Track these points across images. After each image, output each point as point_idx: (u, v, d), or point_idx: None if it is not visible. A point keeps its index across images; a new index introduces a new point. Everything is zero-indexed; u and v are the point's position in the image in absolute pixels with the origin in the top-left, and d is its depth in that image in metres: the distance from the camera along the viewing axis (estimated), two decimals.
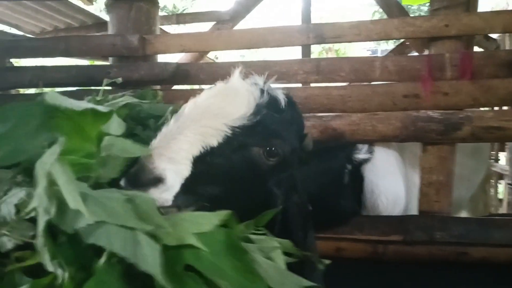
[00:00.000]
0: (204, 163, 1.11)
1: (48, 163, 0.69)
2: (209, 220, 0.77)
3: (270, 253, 0.87)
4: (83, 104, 0.80)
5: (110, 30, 2.40)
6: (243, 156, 1.17)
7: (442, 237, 1.71)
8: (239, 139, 1.15)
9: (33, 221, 0.86)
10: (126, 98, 1.28)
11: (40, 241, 0.70)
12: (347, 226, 1.78)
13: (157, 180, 1.03)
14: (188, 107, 1.21)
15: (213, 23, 5.22)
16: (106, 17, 2.74)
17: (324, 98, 1.87)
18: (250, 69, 1.46)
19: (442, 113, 1.72)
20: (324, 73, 1.90)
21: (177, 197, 1.06)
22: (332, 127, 1.80)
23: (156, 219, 0.72)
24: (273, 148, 1.19)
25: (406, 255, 1.74)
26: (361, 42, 1.99)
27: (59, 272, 0.67)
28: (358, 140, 1.81)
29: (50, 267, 0.69)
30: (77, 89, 2.15)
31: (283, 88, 1.90)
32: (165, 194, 1.04)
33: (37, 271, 0.79)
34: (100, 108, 0.78)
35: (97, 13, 5.31)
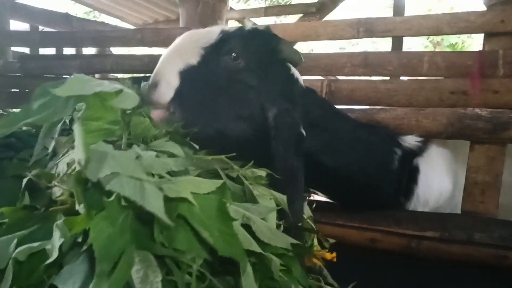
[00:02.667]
0: (190, 77, 1.39)
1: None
2: (206, 185, 0.91)
3: (266, 215, 0.99)
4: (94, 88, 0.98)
5: (181, 23, 2.60)
6: (219, 66, 1.44)
7: (482, 238, 1.66)
8: (212, 54, 1.43)
9: None
10: None
11: (73, 187, 0.88)
12: (385, 219, 1.80)
13: (155, 85, 1.39)
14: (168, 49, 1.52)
15: (300, 15, 5.29)
16: None
17: (370, 91, 1.90)
18: None
19: (490, 112, 1.67)
20: (372, 67, 1.93)
21: (172, 101, 1.36)
22: (377, 120, 1.83)
23: (159, 173, 0.90)
24: (233, 54, 1.43)
25: (441, 252, 1.71)
26: (412, 36, 1.97)
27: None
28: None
29: (78, 208, 0.86)
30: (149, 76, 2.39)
31: (330, 80, 1.97)
32: (161, 96, 1.38)
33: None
34: (108, 89, 0.94)
35: None
